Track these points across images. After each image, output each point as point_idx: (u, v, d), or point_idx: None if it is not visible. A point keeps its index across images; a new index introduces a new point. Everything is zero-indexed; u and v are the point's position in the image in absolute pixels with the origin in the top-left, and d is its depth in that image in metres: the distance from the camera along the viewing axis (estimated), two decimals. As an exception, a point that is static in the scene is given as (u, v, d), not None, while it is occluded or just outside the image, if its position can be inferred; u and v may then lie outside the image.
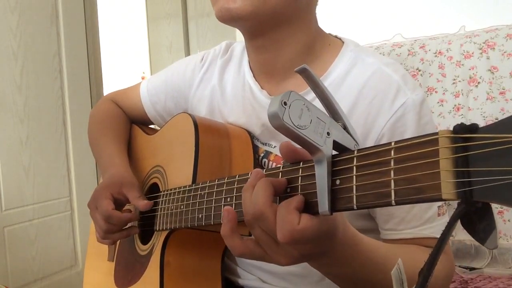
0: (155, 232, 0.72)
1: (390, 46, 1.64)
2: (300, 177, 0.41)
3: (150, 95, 0.88)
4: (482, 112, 1.41)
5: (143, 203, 0.68)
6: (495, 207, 1.44)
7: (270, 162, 0.70)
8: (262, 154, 0.72)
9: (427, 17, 1.86)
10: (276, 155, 0.70)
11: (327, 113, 0.40)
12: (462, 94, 1.48)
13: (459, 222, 0.31)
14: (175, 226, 0.64)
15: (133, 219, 0.71)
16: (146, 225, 0.76)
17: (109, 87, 2.10)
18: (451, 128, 0.30)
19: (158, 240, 0.70)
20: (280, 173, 0.44)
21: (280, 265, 0.43)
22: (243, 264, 0.76)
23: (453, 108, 1.50)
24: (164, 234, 0.67)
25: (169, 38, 2.63)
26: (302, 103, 0.37)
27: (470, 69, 1.48)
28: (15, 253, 1.62)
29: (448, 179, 0.29)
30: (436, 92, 1.51)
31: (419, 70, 1.54)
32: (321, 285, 0.69)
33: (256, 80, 0.74)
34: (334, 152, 0.39)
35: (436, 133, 0.30)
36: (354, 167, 0.36)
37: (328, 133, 0.38)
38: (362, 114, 0.63)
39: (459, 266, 1.48)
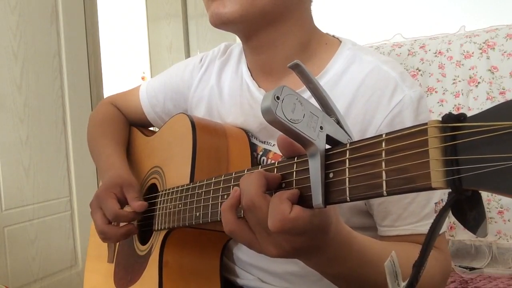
0: (154, 232, 0.72)
1: (390, 46, 1.64)
2: (294, 172, 0.41)
3: (149, 97, 0.89)
4: (482, 112, 1.41)
5: (137, 204, 0.68)
6: (495, 207, 1.44)
7: (269, 160, 0.70)
8: (260, 153, 0.72)
9: (427, 17, 1.86)
10: (274, 153, 0.70)
11: (320, 108, 0.41)
12: (462, 94, 1.48)
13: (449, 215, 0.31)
14: (173, 225, 0.64)
15: (136, 218, 0.71)
16: (145, 226, 0.76)
17: (109, 87, 2.10)
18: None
19: (156, 240, 0.70)
20: (276, 169, 0.44)
21: (269, 256, 0.43)
22: (241, 264, 0.76)
23: (453, 108, 1.50)
24: (163, 233, 0.67)
25: (169, 38, 2.63)
26: (295, 97, 0.37)
27: (470, 69, 1.48)
28: (15, 253, 1.62)
29: (438, 168, 0.29)
30: (436, 92, 1.51)
31: (419, 70, 1.54)
32: (320, 285, 0.69)
33: (254, 80, 0.74)
34: (328, 146, 0.39)
35: (425, 124, 0.31)
36: (347, 160, 0.36)
37: (321, 127, 0.38)
38: (360, 111, 0.63)
39: (459, 266, 1.48)
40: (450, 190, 0.29)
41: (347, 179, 0.36)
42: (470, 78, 1.47)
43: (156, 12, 2.67)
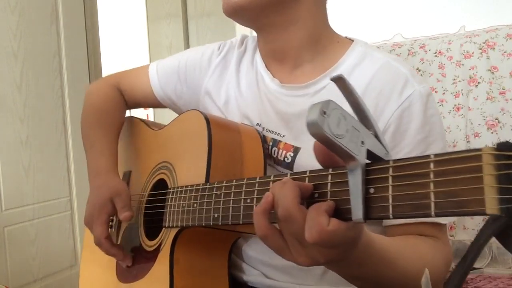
0: (164, 229, 0.71)
1: (390, 46, 1.64)
2: (329, 184, 0.41)
3: (160, 76, 0.88)
4: (482, 112, 1.41)
5: (123, 215, 0.72)
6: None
7: (280, 150, 0.71)
8: (270, 143, 0.73)
9: (427, 17, 1.86)
10: (285, 143, 0.71)
11: (361, 123, 0.41)
12: (462, 94, 1.47)
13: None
14: (187, 224, 0.63)
15: (117, 255, 0.75)
16: (152, 221, 0.76)
17: (109, 87, 2.09)
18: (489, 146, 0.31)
19: (167, 236, 0.69)
20: (307, 178, 0.44)
21: (297, 264, 0.43)
22: (248, 259, 0.76)
23: (453, 108, 1.50)
24: (174, 231, 0.67)
25: (169, 38, 2.63)
26: (340, 112, 0.37)
27: (470, 69, 1.47)
28: (15, 253, 1.62)
29: (492, 195, 0.30)
30: (436, 92, 1.51)
31: (419, 70, 1.54)
32: (324, 279, 0.70)
33: (268, 70, 0.77)
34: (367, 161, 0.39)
35: (480, 149, 0.31)
36: (390, 177, 0.37)
37: (362, 142, 0.38)
38: (371, 104, 0.65)
39: (459, 266, 1.48)
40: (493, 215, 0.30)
41: (390, 196, 0.36)
42: (470, 78, 1.47)
43: (156, 12, 2.67)
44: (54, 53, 1.79)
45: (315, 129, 0.36)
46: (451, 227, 1.48)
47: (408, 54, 1.58)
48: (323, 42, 0.73)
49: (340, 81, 0.40)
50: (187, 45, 2.60)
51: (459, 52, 1.50)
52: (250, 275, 0.75)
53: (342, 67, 0.70)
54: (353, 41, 0.74)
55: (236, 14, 0.70)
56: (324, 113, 0.36)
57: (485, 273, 1.43)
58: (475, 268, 1.46)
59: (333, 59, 0.71)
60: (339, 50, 0.72)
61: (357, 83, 0.66)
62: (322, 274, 0.70)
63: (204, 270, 0.69)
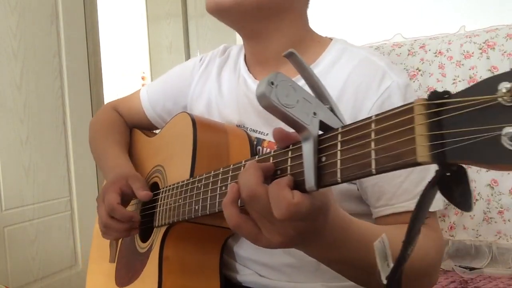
0: (155, 229, 0.72)
1: (390, 46, 1.64)
2: (289, 159, 0.42)
3: (150, 97, 0.92)
4: (482, 112, 1.41)
5: (143, 193, 0.70)
6: (495, 207, 1.44)
7: (264, 149, 0.73)
8: (254, 142, 0.74)
9: (427, 17, 1.86)
10: (269, 141, 0.73)
11: (314, 96, 0.42)
12: (462, 94, 1.48)
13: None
14: (173, 220, 0.64)
15: (134, 217, 0.71)
16: (146, 223, 0.76)
17: (109, 87, 2.10)
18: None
19: (157, 236, 0.70)
20: (271, 157, 0.45)
21: (274, 246, 0.44)
22: (241, 260, 0.76)
23: (453, 108, 1.50)
24: (163, 229, 0.68)
25: (169, 38, 2.63)
26: (289, 83, 0.38)
27: (470, 69, 1.47)
28: (15, 253, 1.62)
29: (423, 143, 0.30)
30: (436, 92, 1.52)
31: (419, 70, 1.54)
32: (316, 275, 0.71)
33: (251, 73, 0.78)
34: (321, 132, 0.40)
35: (412, 102, 0.32)
36: (339, 143, 0.37)
37: (314, 113, 0.39)
38: (350, 98, 0.66)
39: (459, 266, 1.48)
40: (436, 166, 0.30)
41: (338, 161, 0.37)
42: (470, 78, 1.47)
43: (156, 12, 2.67)
44: (54, 53, 1.79)
45: (264, 100, 0.37)
46: (451, 227, 1.48)
47: (408, 54, 1.57)
48: (306, 44, 0.74)
49: (292, 56, 0.41)
50: (187, 45, 2.61)
51: (459, 52, 1.50)
52: (243, 274, 0.76)
53: (322, 64, 0.71)
54: (332, 39, 0.76)
55: (218, 13, 0.70)
56: (272, 83, 0.37)
57: (485, 273, 1.43)
58: (474, 268, 1.46)
59: (313, 57, 0.72)
60: (319, 49, 0.73)
61: (336, 79, 0.68)
62: (315, 271, 0.70)
63: (195, 269, 0.70)
